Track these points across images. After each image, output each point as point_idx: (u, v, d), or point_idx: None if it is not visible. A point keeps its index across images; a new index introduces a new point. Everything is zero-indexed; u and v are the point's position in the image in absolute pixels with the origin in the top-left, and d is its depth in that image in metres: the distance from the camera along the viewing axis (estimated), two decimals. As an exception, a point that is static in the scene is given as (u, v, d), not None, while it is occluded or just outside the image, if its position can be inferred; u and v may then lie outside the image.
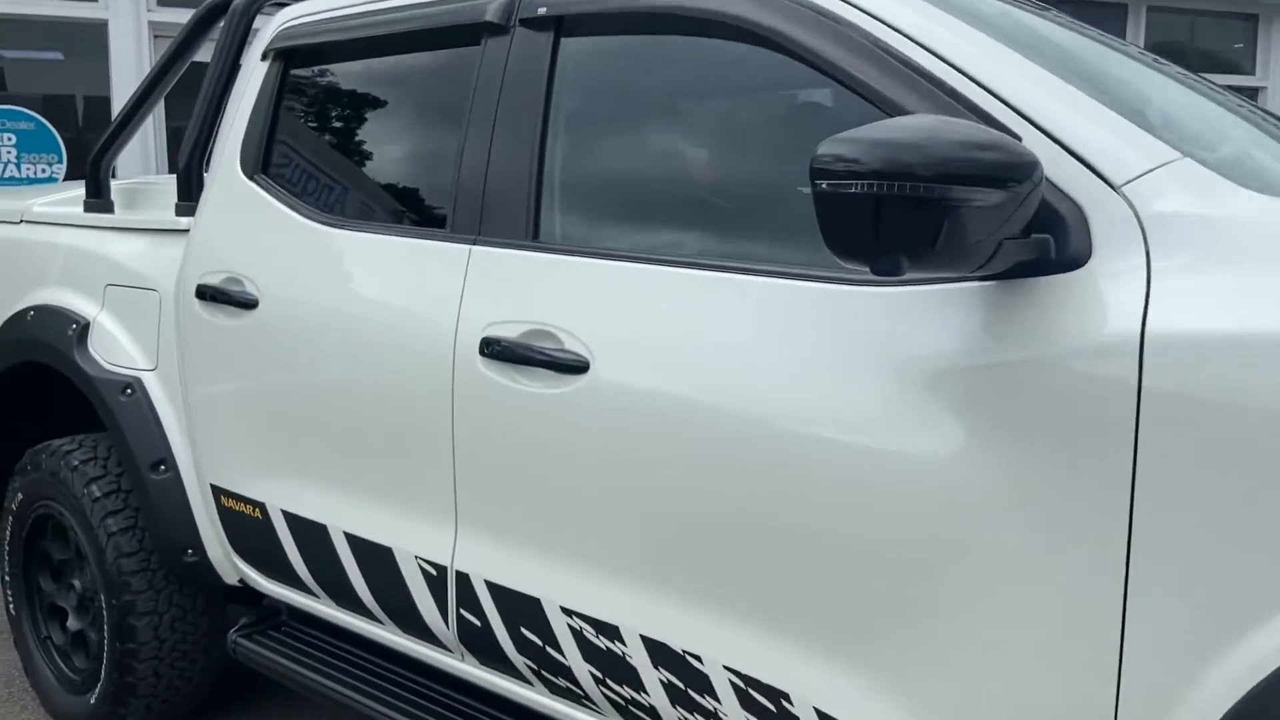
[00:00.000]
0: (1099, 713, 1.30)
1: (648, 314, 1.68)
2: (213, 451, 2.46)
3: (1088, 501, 1.29)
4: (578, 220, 1.87)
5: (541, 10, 1.94)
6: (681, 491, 1.62)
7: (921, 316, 1.43)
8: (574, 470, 1.76)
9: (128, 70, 6.10)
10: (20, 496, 2.93)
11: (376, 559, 2.11)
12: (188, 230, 2.56)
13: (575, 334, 1.75)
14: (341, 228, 2.21)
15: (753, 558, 1.56)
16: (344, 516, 2.18)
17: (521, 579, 1.87)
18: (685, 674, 1.67)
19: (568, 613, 1.80)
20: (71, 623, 2.89)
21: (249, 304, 2.32)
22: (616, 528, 1.72)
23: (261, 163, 2.44)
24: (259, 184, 2.41)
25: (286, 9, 2.51)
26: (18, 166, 6.03)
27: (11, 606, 3.04)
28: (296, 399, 2.24)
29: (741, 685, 1.61)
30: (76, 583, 2.85)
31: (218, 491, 2.47)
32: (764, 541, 1.55)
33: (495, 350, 1.84)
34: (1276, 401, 1.16)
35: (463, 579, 1.96)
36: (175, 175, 2.73)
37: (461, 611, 1.97)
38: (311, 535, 2.25)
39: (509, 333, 1.84)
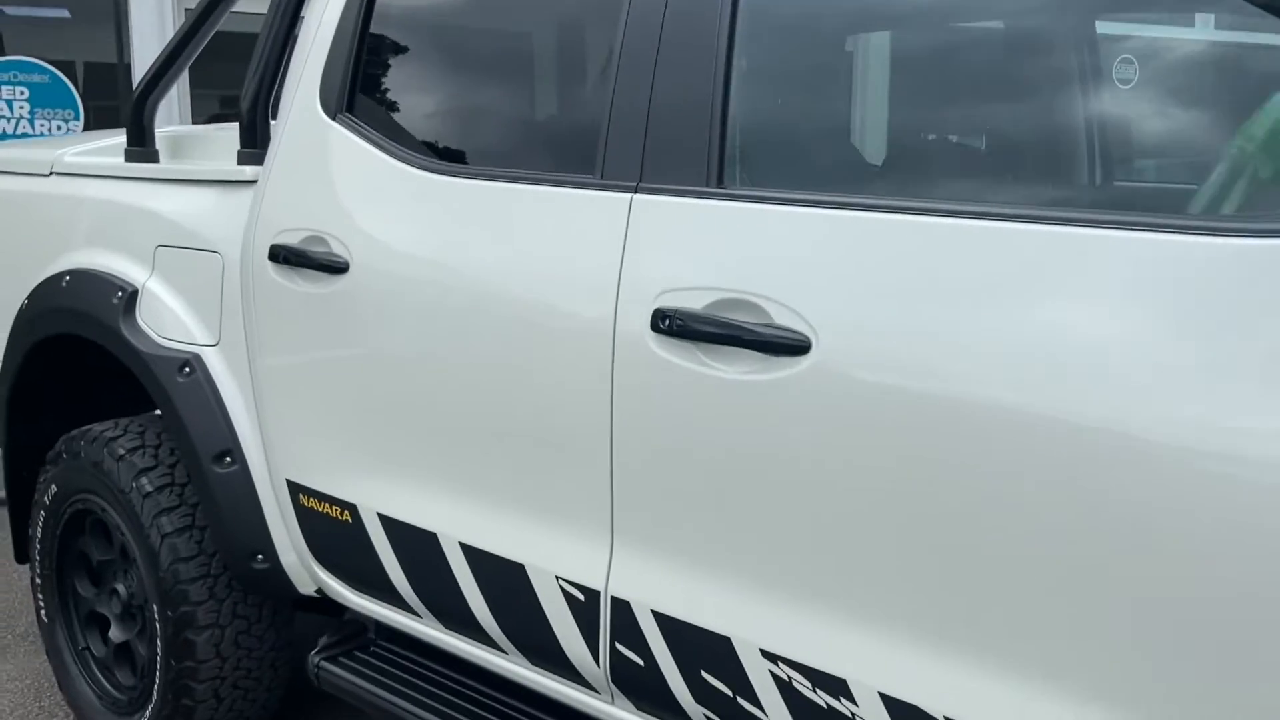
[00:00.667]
0: None
1: (896, 277, 1.30)
2: (290, 442, 2.08)
3: None
4: (781, 160, 1.48)
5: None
6: (959, 515, 1.24)
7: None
8: (786, 478, 1.38)
9: (149, 32, 5.68)
10: (54, 489, 2.56)
11: (503, 578, 1.74)
12: (254, 182, 2.17)
13: (789, 305, 1.37)
14: (453, 175, 1.82)
15: (1084, 608, 1.18)
16: (461, 525, 1.80)
17: (705, 613, 1.50)
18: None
19: (771, 658, 1.43)
20: (115, 633, 2.52)
21: (337, 267, 1.94)
22: (849, 556, 1.34)
23: (347, 100, 2.05)
24: (345, 124, 2.02)
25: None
26: (30, 123, 5.62)
27: (44, 612, 2.67)
28: (400, 382, 1.86)
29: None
30: (120, 588, 2.49)
31: (296, 489, 2.09)
32: (1100, 589, 1.16)
33: (673, 325, 1.46)
34: None
35: (620, 607, 1.59)
36: (223, 123, 2.34)
37: (618, 646, 1.60)
38: (417, 545, 1.88)
39: (691, 303, 1.45)
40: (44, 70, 5.61)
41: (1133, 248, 1.14)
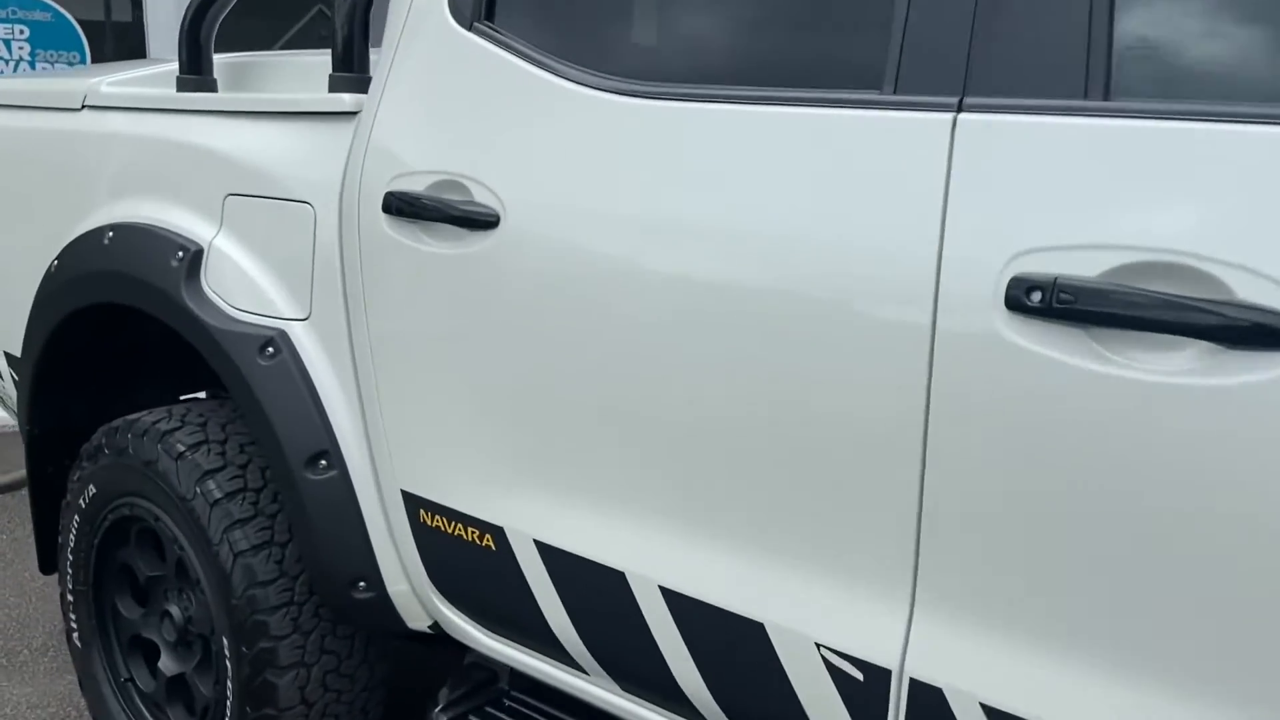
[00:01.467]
0: None
1: None
2: (410, 445, 1.64)
3: None
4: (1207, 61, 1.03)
5: None
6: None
7: None
8: (1233, 513, 0.94)
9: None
10: (92, 491, 2.11)
11: (728, 638, 1.31)
12: (355, 114, 1.71)
13: (1256, 267, 0.93)
14: (654, 97, 1.37)
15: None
16: (665, 565, 1.36)
17: (1075, 711, 1.06)
18: None
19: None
20: (166, 664, 2.08)
21: (482, 220, 1.48)
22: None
23: (486, 5, 1.58)
24: (486, 36, 1.55)
25: None
26: (31, 64, 5.10)
27: (77, 635, 2.23)
28: (578, 373, 1.41)
29: None
30: (174, 610, 2.04)
31: (415, 503, 1.65)
32: None
33: (1045, 301, 1.01)
34: None
35: (924, 694, 1.16)
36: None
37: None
38: (594, 586, 1.44)
39: (1078, 269, 1.01)
40: (46, 7, 5.08)
41: None
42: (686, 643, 1.35)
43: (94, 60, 5.10)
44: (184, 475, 1.91)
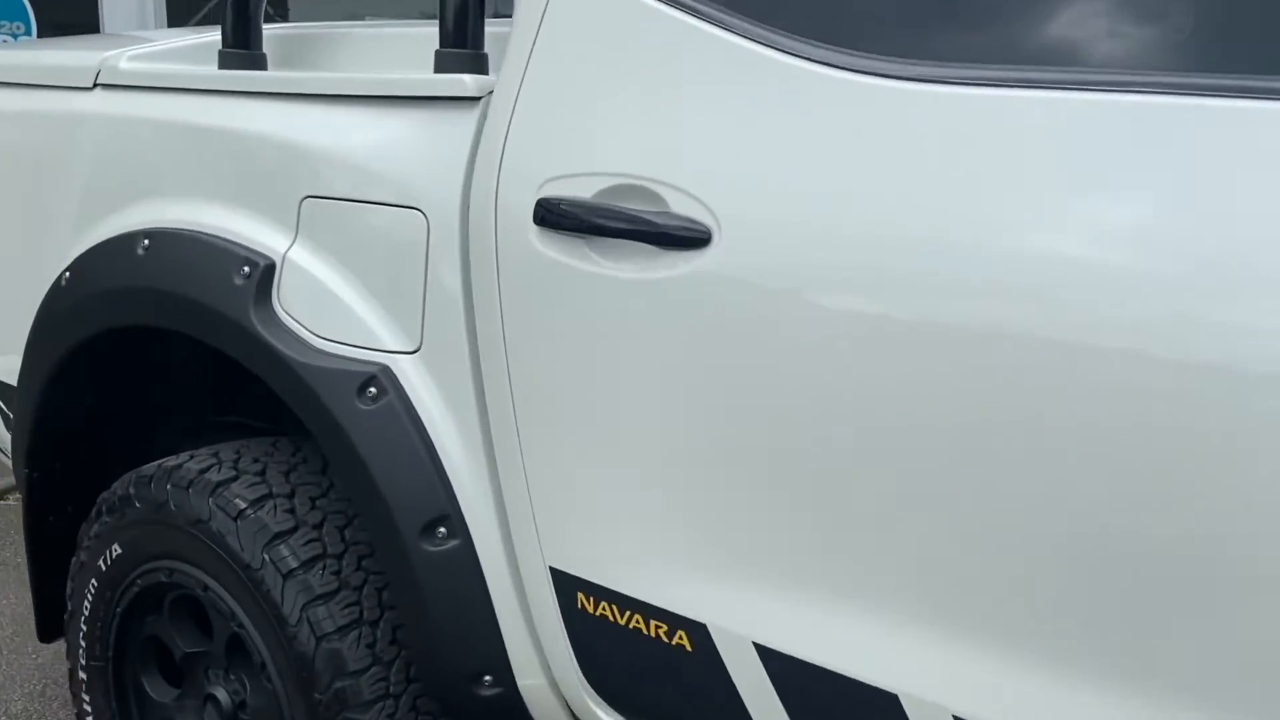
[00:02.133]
0: None
1: None
2: (565, 512, 1.32)
3: None
4: None
5: None
6: None
7: None
8: None
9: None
10: (116, 550, 1.75)
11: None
12: (479, 99, 1.38)
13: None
14: (939, 81, 1.07)
15: None
16: (959, 690, 1.07)
17: None
18: None
19: None
20: (211, 760, 1.73)
21: (689, 237, 1.17)
22: None
23: (669, -35, 1.27)
24: (682, 6, 1.24)
25: None
26: (-34, 36, 4.61)
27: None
28: (830, 426, 1.11)
29: None
30: (221, 693, 1.69)
31: (570, 584, 1.33)
32: None
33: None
34: None
35: None
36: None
37: None
38: (853, 709, 1.14)
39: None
40: (-15, -28, 4.59)
41: None
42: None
43: (40, 34, 4.62)
44: (247, 538, 1.56)
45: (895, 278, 1.06)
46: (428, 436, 1.42)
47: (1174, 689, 0.96)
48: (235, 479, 1.63)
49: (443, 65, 1.48)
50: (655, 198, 1.21)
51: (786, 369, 1.13)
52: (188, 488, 1.64)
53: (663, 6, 1.24)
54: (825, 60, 1.13)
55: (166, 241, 1.62)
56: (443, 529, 1.41)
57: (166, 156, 1.68)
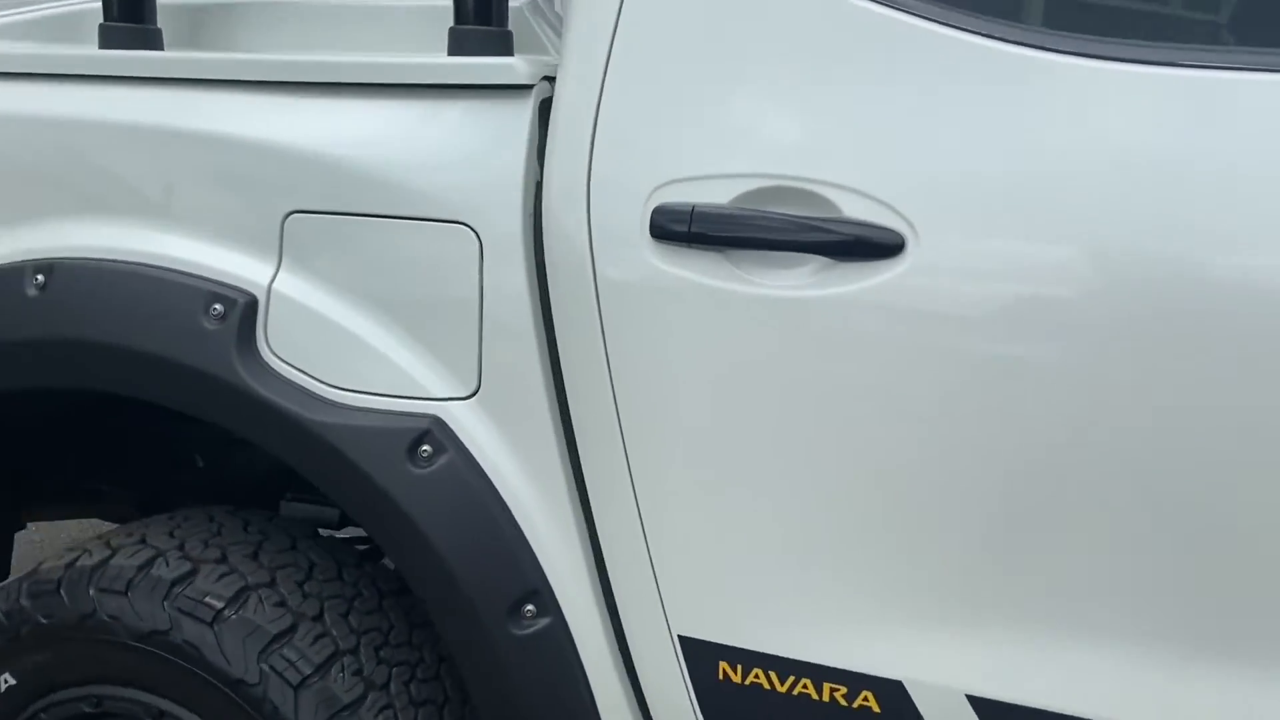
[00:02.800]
0: None
1: None
2: (704, 567, 1.13)
3: None
4: None
5: None
6: None
7: None
8: None
9: None
10: (8, 683, 1.34)
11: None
12: (531, 87, 1.15)
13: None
14: (1147, 61, 0.98)
15: None
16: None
17: None
18: None
19: None
20: None
21: (879, 245, 1.02)
22: None
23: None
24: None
25: None
26: None
27: None
28: (1031, 447, 1.00)
29: None
30: None
31: (709, 653, 1.15)
32: None
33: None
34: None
35: None
36: None
37: None
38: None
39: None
40: None
41: None
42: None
43: None
44: (232, 646, 1.24)
45: (1121, 277, 0.96)
46: (500, 498, 1.17)
47: None
48: (193, 572, 1.29)
49: (464, 46, 1.22)
50: (819, 201, 1.04)
51: (1000, 381, 1.01)
52: (126, 591, 1.28)
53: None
54: (1021, 40, 1.01)
55: (78, 275, 1.24)
56: (531, 607, 1.17)
57: (74, 160, 1.29)
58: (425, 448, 1.16)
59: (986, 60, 1.01)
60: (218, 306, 1.19)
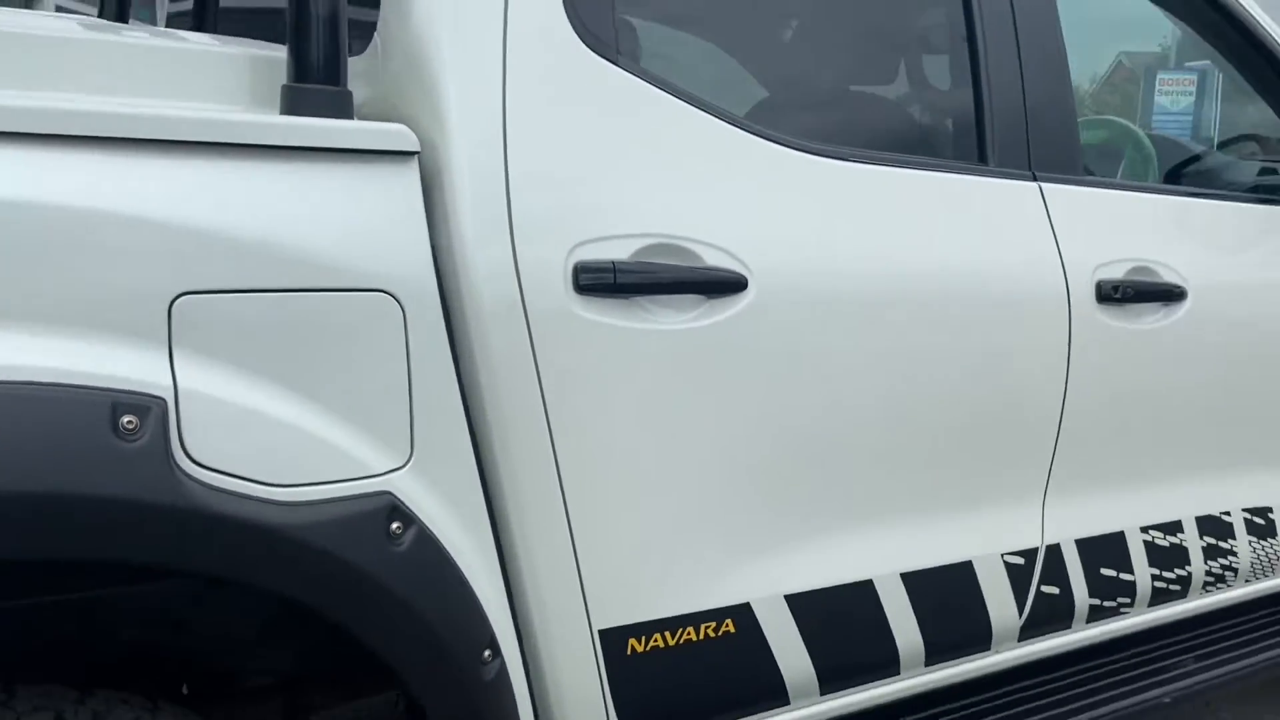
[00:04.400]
0: None
1: (1218, 246, 1.94)
2: (623, 563, 1.34)
3: None
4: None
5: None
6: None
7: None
8: (1169, 392, 1.88)
9: None
10: None
11: (940, 587, 1.65)
12: (415, 154, 1.21)
13: (1171, 266, 1.85)
14: (830, 156, 1.51)
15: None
16: (899, 556, 1.60)
17: (1106, 520, 1.86)
18: (1217, 526, 2.04)
19: (1150, 529, 1.92)
20: None
21: (730, 284, 1.36)
22: (1186, 439, 1.95)
23: (616, 36, 1.34)
24: (640, 76, 1.35)
25: None
26: None
27: None
28: (818, 421, 1.48)
29: (1248, 516, 2.10)
30: None
31: (621, 635, 1.36)
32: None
33: (1111, 291, 1.75)
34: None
35: (1052, 552, 1.78)
36: None
37: (1042, 588, 1.78)
38: (839, 604, 1.54)
39: (1114, 272, 1.77)
40: None
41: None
42: (913, 607, 1.62)
43: None
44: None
45: (868, 290, 1.49)
46: (453, 560, 1.20)
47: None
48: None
49: (302, 105, 1.16)
50: (687, 253, 1.33)
51: (816, 371, 1.44)
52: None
53: (629, 79, 1.33)
54: (809, 149, 1.45)
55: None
56: (488, 651, 1.23)
57: None
58: (395, 525, 1.13)
59: (788, 160, 1.43)
60: (129, 418, 0.96)
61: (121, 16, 2.16)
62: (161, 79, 1.16)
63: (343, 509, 1.10)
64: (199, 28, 1.89)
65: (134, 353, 1.00)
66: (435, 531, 1.18)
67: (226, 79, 1.21)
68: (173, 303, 1.02)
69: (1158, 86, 10.56)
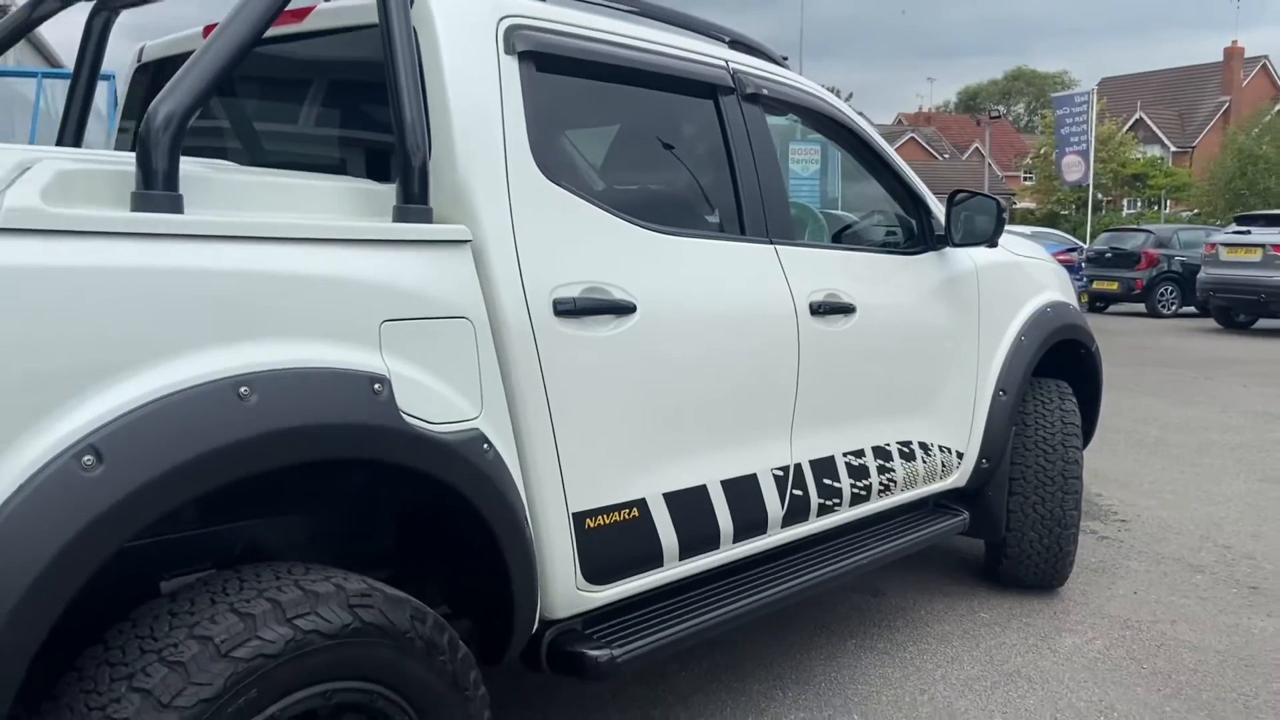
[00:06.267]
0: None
1: (869, 279, 3.20)
2: (582, 472, 2.31)
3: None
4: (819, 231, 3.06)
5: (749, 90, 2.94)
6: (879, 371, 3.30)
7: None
8: (851, 368, 3.10)
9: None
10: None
11: (743, 487, 2.73)
12: (467, 242, 2.15)
13: (847, 293, 3.07)
14: (671, 234, 2.57)
15: (878, 394, 3.32)
16: (719, 469, 2.66)
17: (825, 448, 3.03)
18: (883, 453, 3.28)
19: (847, 454, 3.11)
20: None
21: (625, 309, 2.38)
22: (867, 397, 3.17)
23: (557, 168, 2.34)
24: (574, 192, 2.35)
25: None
26: None
27: None
28: (678, 386, 2.53)
29: (900, 446, 3.36)
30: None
31: (582, 516, 2.32)
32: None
33: (817, 308, 2.94)
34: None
35: (797, 468, 2.92)
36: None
37: (793, 491, 2.91)
38: (690, 501, 2.57)
39: (818, 297, 2.96)
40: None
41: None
42: (727, 502, 2.68)
43: None
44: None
45: (706, 312, 2.55)
46: (507, 464, 2.12)
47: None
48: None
49: (411, 216, 2.06)
50: (606, 292, 2.34)
51: (677, 359, 2.48)
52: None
53: (568, 195, 2.33)
54: (659, 230, 2.49)
55: (280, 382, 1.71)
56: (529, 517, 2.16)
57: (212, 303, 1.67)
58: (485, 445, 2.04)
59: (651, 236, 2.47)
60: (377, 385, 1.84)
61: (78, 138, 2.88)
62: (318, 204, 2.02)
63: (464, 435, 2.00)
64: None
65: (371, 354, 1.87)
66: (500, 450, 2.10)
67: (348, 203, 2.07)
68: (380, 325, 1.90)
69: (791, 155, 12.60)
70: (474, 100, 2.21)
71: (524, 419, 2.19)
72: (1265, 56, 54.26)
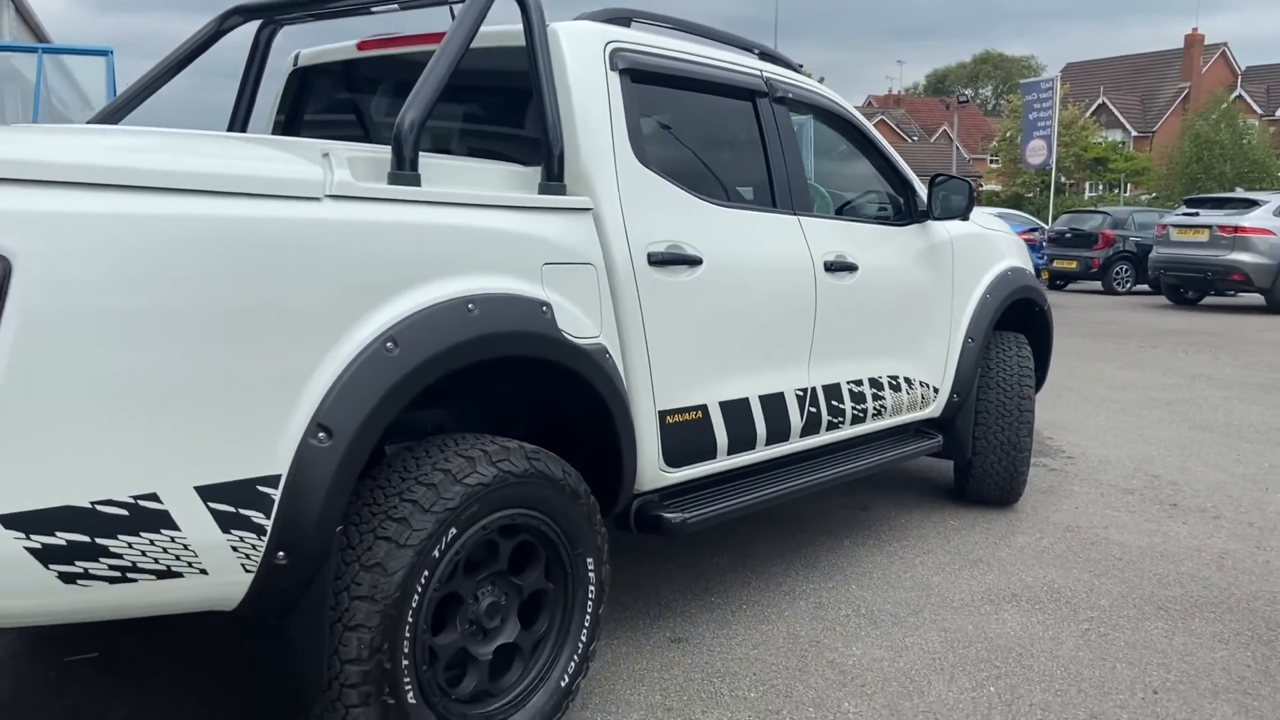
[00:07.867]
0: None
1: (868, 245, 4.03)
2: (667, 382, 3.13)
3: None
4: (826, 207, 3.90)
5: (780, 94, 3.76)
6: (887, 316, 4.15)
7: (907, 236, 4.39)
8: (854, 313, 3.94)
9: None
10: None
11: (773, 402, 3.57)
12: (590, 209, 2.96)
13: (851, 255, 3.91)
14: (724, 206, 3.40)
15: (866, 337, 4.17)
16: (757, 387, 3.49)
17: (833, 377, 3.88)
18: (877, 384, 4.13)
19: (849, 383, 3.96)
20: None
21: (695, 261, 3.20)
22: (866, 338, 4.02)
23: (646, 156, 3.15)
24: (658, 173, 3.17)
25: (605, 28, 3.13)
26: None
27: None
28: (730, 321, 3.36)
29: (890, 379, 4.21)
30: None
31: (665, 415, 3.15)
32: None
33: (829, 266, 3.78)
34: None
35: (813, 391, 3.76)
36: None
37: (809, 409, 3.75)
38: (737, 409, 3.41)
39: (830, 257, 3.80)
40: None
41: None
42: (763, 413, 3.52)
43: None
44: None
45: (753, 263, 3.38)
46: (620, 370, 2.94)
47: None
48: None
49: (549, 190, 2.87)
50: (681, 248, 3.16)
51: (734, 302, 3.31)
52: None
53: (654, 176, 3.14)
54: (720, 203, 3.31)
55: (492, 303, 2.52)
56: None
57: (440, 248, 2.47)
58: (607, 354, 2.86)
59: (714, 209, 3.29)
60: (545, 307, 2.66)
61: (244, 127, 3.66)
62: (490, 181, 2.82)
63: (593, 346, 2.82)
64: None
65: (537, 287, 2.68)
66: (615, 358, 2.92)
67: (508, 181, 2.87)
68: (542, 266, 2.71)
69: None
70: (591, 106, 3.01)
71: (628, 338, 3.01)
72: (1224, 44, 55.67)
